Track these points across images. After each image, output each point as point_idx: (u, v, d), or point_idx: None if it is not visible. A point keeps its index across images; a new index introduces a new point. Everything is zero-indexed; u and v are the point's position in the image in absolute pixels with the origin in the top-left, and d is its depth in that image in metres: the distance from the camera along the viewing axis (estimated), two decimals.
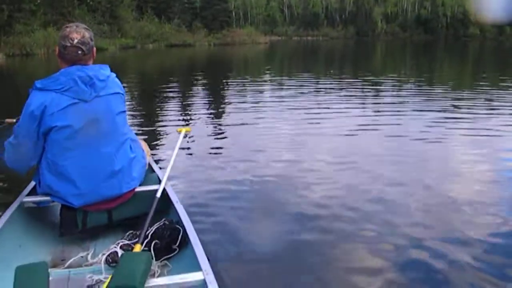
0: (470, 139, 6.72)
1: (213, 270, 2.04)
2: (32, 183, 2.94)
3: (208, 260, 2.12)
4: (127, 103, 10.65)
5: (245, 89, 13.25)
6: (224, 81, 15.77)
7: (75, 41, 2.56)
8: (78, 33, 2.59)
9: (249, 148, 6.00)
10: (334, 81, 15.35)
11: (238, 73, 20.49)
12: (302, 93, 12.08)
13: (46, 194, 2.66)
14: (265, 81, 15.97)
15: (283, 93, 12.38)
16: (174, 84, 15.44)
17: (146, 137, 6.36)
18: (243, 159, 5.43)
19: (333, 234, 3.47)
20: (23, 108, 2.52)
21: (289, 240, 3.37)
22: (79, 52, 2.57)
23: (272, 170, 5.04)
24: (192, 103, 10.66)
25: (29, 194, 2.89)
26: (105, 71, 2.68)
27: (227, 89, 13.46)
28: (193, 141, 6.24)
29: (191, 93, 12.74)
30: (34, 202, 2.81)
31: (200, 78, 17.89)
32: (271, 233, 3.48)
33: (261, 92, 12.75)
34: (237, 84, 14.70)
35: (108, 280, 1.93)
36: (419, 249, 3.20)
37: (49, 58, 31.83)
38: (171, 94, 12.38)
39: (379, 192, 4.32)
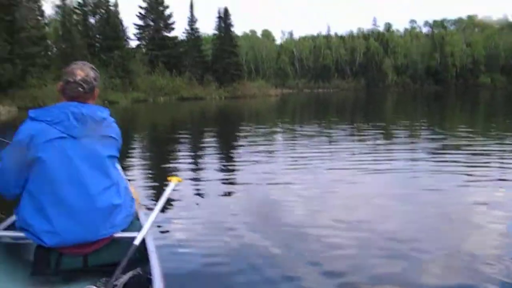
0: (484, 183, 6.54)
1: None
2: (13, 217, 2.82)
3: None
4: (134, 150, 10.94)
5: (251, 140, 13.18)
6: (231, 132, 15.93)
7: (78, 78, 2.54)
8: (83, 70, 2.58)
9: (242, 206, 5.67)
10: (346, 129, 15.41)
11: (247, 124, 20.58)
12: (311, 142, 11.93)
13: (22, 230, 2.55)
14: (273, 131, 16.00)
15: (290, 143, 12.28)
16: (182, 135, 15.64)
17: (140, 182, 6.36)
18: (231, 217, 5.14)
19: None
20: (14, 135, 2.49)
21: None
22: (80, 89, 2.55)
23: (263, 225, 4.77)
24: (191, 155, 10.65)
25: (8, 228, 2.80)
26: (102, 113, 2.60)
27: (232, 140, 13.38)
28: (185, 192, 6.11)
29: (193, 145, 12.79)
30: (10, 237, 2.71)
31: (208, 129, 18.08)
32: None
33: (269, 143, 12.61)
34: (244, 135, 14.74)
35: None
36: None
37: None
38: (177, 144, 12.50)
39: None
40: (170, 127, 20.08)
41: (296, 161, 8.77)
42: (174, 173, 7.86)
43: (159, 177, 7.56)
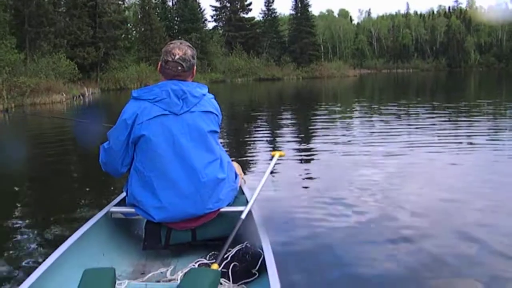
0: None
1: None
2: (123, 194, 2.94)
3: None
4: (223, 126, 10.76)
5: (337, 119, 13.20)
6: (316, 111, 15.69)
7: (177, 57, 2.56)
8: (181, 49, 2.59)
9: (340, 179, 5.61)
10: (428, 109, 14.72)
11: (329, 104, 20.19)
12: (394, 122, 11.37)
13: (132, 206, 2.67)
14: (356, 110, 15.78)
15: (374, 123, 11.77)
16: (266, 113, 15.97)
17: (239, 159, 6.31)
18: (333, 190, 5.05)
19: (443, 269, 3.13)
20: (119, 115, 2.57)
21: (373, 274, 3.12)
22: (179, 68, 2.58)
23: (362, 202, 4.61)
24: (284, 130, 10.79)
25: (118, 204, 2.92)
26: (201, 89, 2.65)
27: (319, 119, 13.14)
28: (285, 166, 6.10)
29: (282, 121, 12.90)
30: (121, 213, 2.83)
31: (291, 108, 18.22)
32: (352, 269, 3.24)
33: (352, 122, 12.41)
34: (329, 114, 14.51)
35: None
36: None
37: None
38: (263, 122, 12.79)
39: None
40: (250, 106, 20.07)
41: (388, 140, 8.35)
42: (262, 147, 8.06)
43: (254, 152, 7.73)
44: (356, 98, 23.72)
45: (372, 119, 12.37)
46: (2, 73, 20.20)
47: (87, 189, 5.70)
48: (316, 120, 12.73)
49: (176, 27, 52.76)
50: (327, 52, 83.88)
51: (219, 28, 60.42)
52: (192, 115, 2.56)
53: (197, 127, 2.57)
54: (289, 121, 13.00)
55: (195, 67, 2.67)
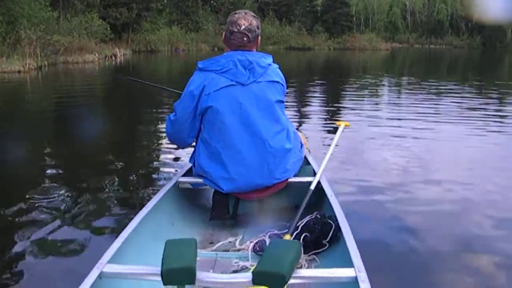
0: None
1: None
2: (189, 165, 2.97)
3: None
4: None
5: (384, 92, 13.38)
6: (361, 82, 15.85)
7: (242, 27, 2.56)
8: (246, 20, 2.58)
9: (410, 150, 5.77)
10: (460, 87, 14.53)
11: (374, 75, 20.24)
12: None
13: (200, 176, 2.69)
14: (404, 84, 15.79)
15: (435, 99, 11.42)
16: (316, 83, 15.97)
17: (302, 128, 6.57)
18: (403, 160, 5.21)
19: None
20: (185, 86, 2.59)
21: (452, 244, 3.20)
22: (245, 38, 2.56)
23: (432, 174, 4.76)
24: (342, 100, 10.85)
25: (184, 175, 2.93)
26: (266, 59, 2.64)
27: (378, 89, 13.59)
28: (350, 136, 6.10)
29: (334, 92, 13.00)
30: (188, 183, 2.86)
31: (343, 78, 18.30)
32: (428, 237, 3.27)
33: (402, 95, 12.36)
34: (376, 86, 14.82)
35: (255, 266, 1.83)
36: None
37: (171, 55, 33.23)
38: (313, 91, 12.92)
39: None
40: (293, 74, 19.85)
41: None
42: (323, 118, 8.17)
43: (311, 121, 7.88)
44: (401, 71, 23.89)
45: (430, 95, 12.05)
46: (36, 30, 20.03)
47: (154, 156, 5.79)
48: (363, 91, 12.88)
49: None
50: (359, 24, 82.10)
51: None
52: (259, 85, 2.55)
53: (264, 97, 2.56)
54: (342, 92, 12.96)
55: (259, 37, 2.64)
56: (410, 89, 13.86)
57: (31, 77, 16.46)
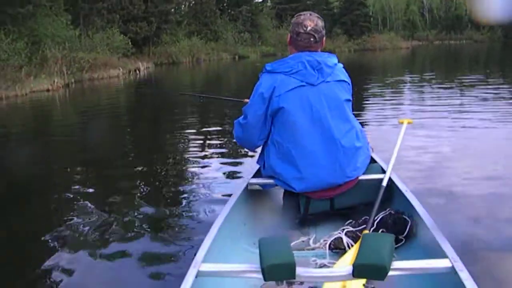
0: None
1: None
2: (257, 166, 3.03)
3: None
4: None
5: (424, 90, 13.29)
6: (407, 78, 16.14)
7: (309, 28, 2.57)
8: (312, 21, 2.60)
9: (477, 148, 5.71)
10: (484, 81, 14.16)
11: (408, 74, 20.30)
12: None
13: (270, 177, 2.73)
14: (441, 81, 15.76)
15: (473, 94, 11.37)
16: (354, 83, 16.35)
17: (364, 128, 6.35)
18: (472, 158, 5.19)
19: None
20: (253, 89, 2.63)
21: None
22: (311, 39, 2.58)
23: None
24: (387, 99, 11.03)
25: (254, 177, 2.98)
26: (332, 59, 2.66)
27: (417, 86, 13.69)
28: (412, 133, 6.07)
29: (375, 91, 13.06)
30: (258, 184, 2.89)
31: (375, 76, 18.95)
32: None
33: (444, 92, 12.25)
34: (414, 82, 14.90)
35: (335, 263, 2.01)
36: None
37: (193, 66, 33.37)
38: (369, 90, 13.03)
39: None
40: None
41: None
42: (384, 116, 8.22)
43: (371, 120, 8.03)
44: (429, 68, 24.04)
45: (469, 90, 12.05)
46: (61, 49, 20.21)
47: (222, 160, 5.83)
48: (403, 89, 13.37)
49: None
50: (376, 24, 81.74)
51: (269, 1, 59.41)
52: (328, 85, 2.58)
53: (333, 97, 2.58)
54: (381, 91, 13.13)
55: (324, 38, 2.67)
56: (443, 85, 13.90)
57: (60, 95, 16.64)
